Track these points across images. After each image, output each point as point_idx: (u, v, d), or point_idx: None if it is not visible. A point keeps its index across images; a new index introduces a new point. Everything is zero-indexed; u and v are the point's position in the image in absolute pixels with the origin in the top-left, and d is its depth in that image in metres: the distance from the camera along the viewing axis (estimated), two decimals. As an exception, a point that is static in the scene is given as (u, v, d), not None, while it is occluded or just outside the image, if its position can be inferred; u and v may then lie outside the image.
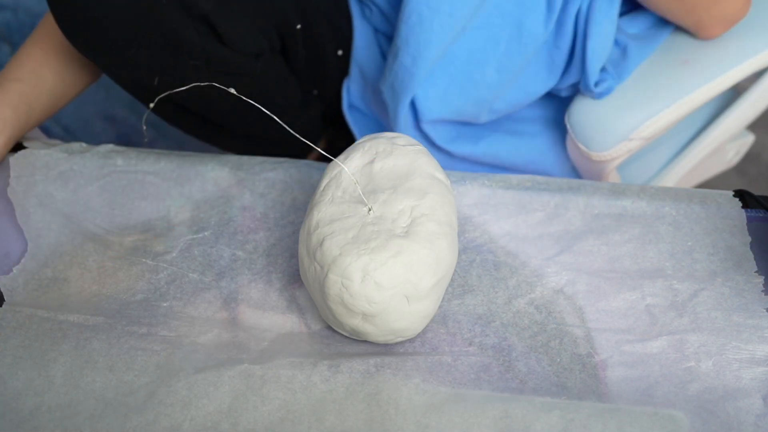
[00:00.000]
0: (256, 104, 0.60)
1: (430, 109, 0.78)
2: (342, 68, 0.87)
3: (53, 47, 0.74)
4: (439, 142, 0.83)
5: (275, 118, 0.60)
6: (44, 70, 0.73)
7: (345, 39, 0.84)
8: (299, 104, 0.84)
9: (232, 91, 0.62)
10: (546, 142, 0.85)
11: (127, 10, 0.63)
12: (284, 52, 0.79)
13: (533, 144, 0.84)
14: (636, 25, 0.77)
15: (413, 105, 0.79)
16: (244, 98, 0.62)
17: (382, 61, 0.85)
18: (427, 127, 0.81)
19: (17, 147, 0.72)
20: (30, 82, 0.72)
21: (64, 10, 0.65)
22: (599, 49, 0.73)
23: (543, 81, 0.78)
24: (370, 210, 0.56)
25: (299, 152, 0.88)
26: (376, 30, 0.85)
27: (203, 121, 0.81)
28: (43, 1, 1.18)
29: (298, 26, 0.77)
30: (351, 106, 0.89)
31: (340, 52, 0.85)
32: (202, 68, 0.70)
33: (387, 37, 0.85)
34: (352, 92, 0.88)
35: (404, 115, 0.79)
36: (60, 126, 1.16)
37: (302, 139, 0.61)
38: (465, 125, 0.84)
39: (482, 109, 0.79)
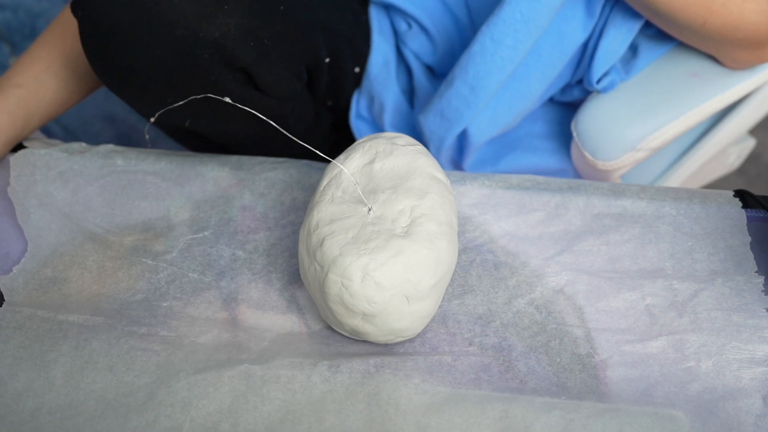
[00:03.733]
0: (273, 123, 0.60)
1: (483, 132, 0.78)
2: (357, 82, 0.87)
3: (61, 53, 0.73)
4: (466, 168, 0.83)
5: (292, 137, 0.60)
6: (48, 76, 0.72)
7: (362, 56, 0.84)
8: (312, 121, 0.84)
9: (227, 100, 0.61)
10: (566, 158, 0.85)
11: (169, 63, 0.62)
12: (309, 82, 0.79)
13: (553, 160, 0.84)
14: (651, 24, 0.77)
15: (462, 132, 0.79)
16: (248, 109, 0.62)
17: (395, 79, 0.85)
18: (467, 157, 0.81)
19: (17, 146, 0.72)
20: (31, 87, 0.71)
21: (103, 60, 0.63)
22: (610, 52, 0.73)
23: (562, 76, 0.79)
24: (370, 210, 0.56)
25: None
26: (403, 46, 0.85)
27: (208, 142, 0.81)
28: (43, 1, 1.18)
29: (327, 60, 0.77)
30: (358, 116, 0.89)
31: (357, 69, 0.85)
32: (236, 113, 0.70)
33: (415, 54, 0.85)
34: (361, 104, 0.88)
35: (451, 143, 0.79)
36: (60, 126, 1.16)
37: (312, 149, 0.61)
38: (484, 146, 0.84)
39: (521, 117, 0.80)
